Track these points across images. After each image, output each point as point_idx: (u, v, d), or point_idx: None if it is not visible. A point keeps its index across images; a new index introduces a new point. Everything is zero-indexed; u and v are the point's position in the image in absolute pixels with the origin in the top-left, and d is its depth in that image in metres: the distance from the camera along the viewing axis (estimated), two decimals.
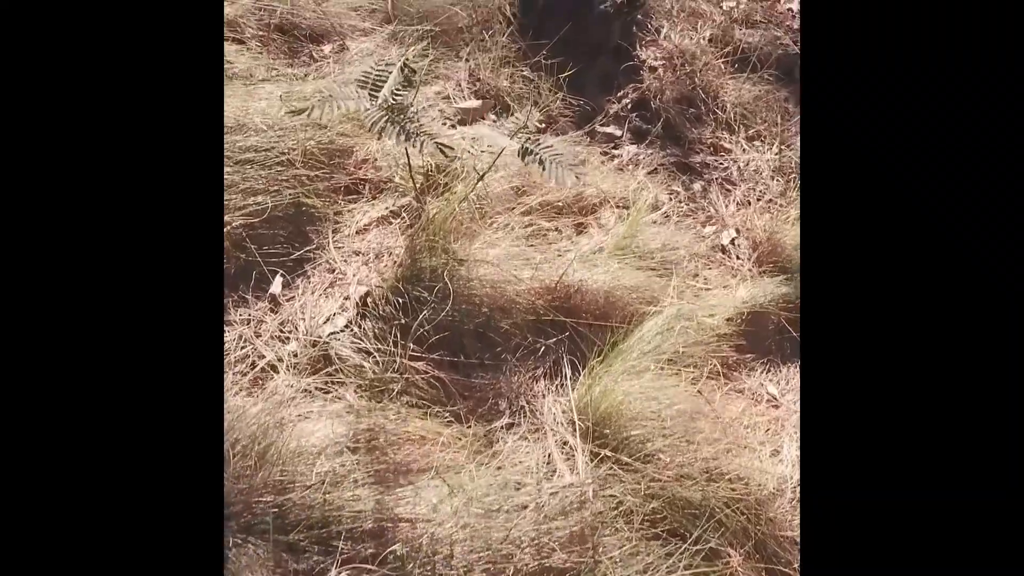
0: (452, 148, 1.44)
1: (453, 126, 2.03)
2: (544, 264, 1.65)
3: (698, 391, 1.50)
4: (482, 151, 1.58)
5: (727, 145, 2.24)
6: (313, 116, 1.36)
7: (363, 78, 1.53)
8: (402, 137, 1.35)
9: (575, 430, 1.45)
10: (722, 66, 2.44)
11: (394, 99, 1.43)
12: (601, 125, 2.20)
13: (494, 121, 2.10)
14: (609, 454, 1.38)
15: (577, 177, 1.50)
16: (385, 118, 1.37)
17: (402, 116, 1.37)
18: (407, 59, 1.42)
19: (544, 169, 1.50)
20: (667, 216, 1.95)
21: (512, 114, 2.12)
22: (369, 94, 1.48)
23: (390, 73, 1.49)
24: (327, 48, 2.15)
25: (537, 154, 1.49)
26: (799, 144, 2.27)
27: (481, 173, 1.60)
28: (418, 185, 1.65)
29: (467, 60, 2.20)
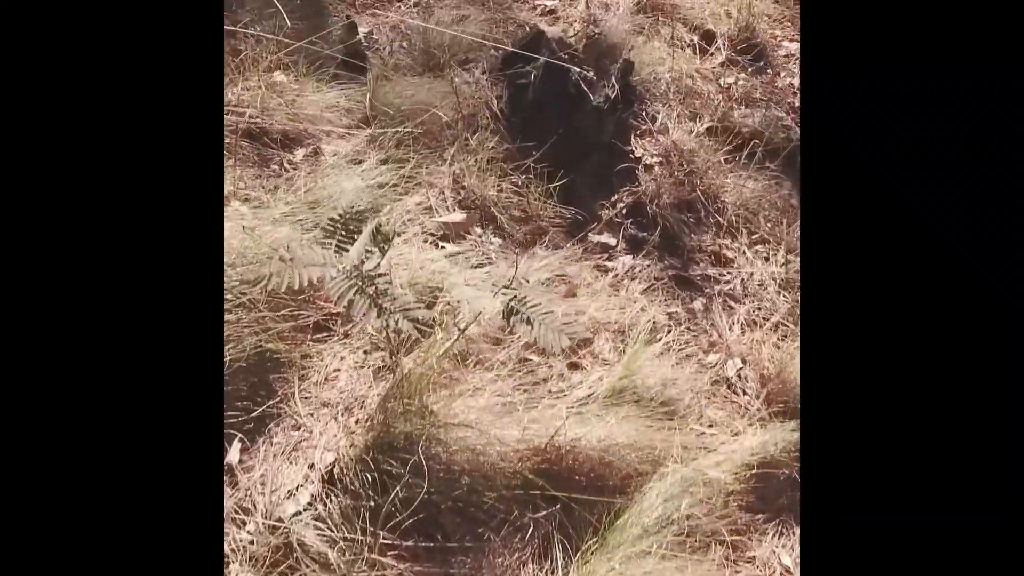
0: (429, 325, 1.29)
1: (436, 244, 1.87)
2: (533, 424, 1.49)
3: None
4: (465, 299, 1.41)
5: (729, 254, 2.09)
6: (271, 286, 1.20)
7: (329, 226, 1.38)
8: (372, 313, 1.19)
9: None
10: (722, 160, 2.30)
11: (363, 260, 1.28)
12: (594, 233, 2.05)
13: (479, 235, 1.95)
14: None
15: (570, 338, 1.35)
16: (354, 288, 1.22)
17: (372, 286, 1.21)
18: (379, 223, 1.27)
19: (532, 330, 1.35)
20: (667, 346, 1.79)
21: (499, 227, 1.97)
22: (335, 249, 1.33)
23: (360, 223, 1.34)
24: (299, 154, 2.00)
25: (524, 314, 1.34)
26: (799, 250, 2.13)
27: (462, 328, 1.45)
28: (392, 342, 1.49)
29: (451, 163, 2.05)
